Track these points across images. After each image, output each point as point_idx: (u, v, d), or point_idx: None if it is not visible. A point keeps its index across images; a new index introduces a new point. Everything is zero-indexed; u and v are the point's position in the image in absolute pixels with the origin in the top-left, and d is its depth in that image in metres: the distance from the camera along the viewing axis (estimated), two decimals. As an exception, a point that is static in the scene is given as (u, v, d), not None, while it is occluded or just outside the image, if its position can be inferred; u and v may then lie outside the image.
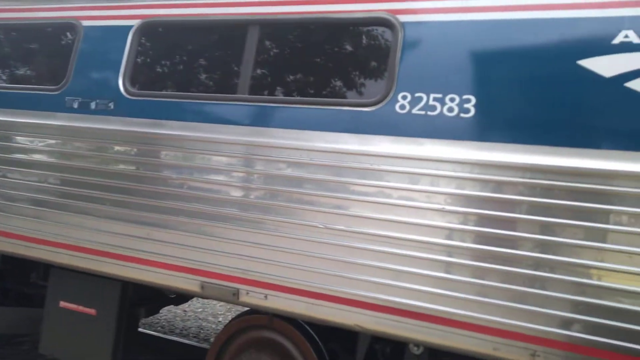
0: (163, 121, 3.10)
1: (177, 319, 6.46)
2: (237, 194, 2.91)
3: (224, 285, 2.93)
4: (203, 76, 3.18)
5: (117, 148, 3.22)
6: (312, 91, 2.88)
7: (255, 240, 2.85)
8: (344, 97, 2.78)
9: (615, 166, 2.20)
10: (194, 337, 5.84)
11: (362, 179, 2.64)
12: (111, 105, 3.26)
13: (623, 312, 2.19)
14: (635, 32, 2.21)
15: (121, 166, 3.22)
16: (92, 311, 3.46)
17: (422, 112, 2.55)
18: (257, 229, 2.85)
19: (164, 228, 3.07)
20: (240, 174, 2.91)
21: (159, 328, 6.01)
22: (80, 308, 3.50)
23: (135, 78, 3.32)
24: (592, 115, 2.28)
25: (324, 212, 2.71)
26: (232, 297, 2.91)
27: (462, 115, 2.48)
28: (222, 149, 2.95)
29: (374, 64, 2.79)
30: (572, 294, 2.25)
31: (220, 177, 2.95)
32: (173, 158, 3.08)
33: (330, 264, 2.69)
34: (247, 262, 2.87)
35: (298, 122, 2.80)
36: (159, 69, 3.34)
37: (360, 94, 2.76)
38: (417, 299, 2.51)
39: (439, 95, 2.52)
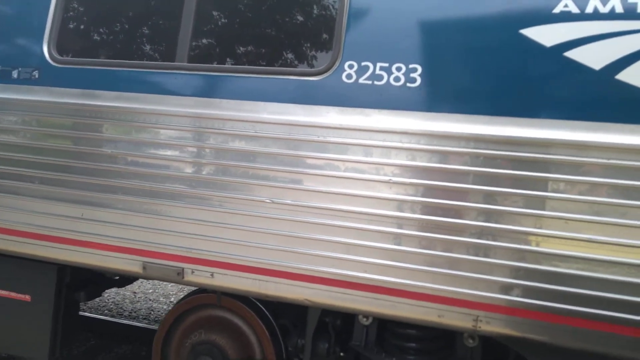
0: (95, 91, 2.88)
1: (126, 301, 6.25)
2: (178, 169, 2.77)
3: (167, 265, 2.80)
4: (138, 42, 2.95)
5: (43, 121, 2.97)
6: (255, 60, 2.74)
7: (200, 217, 2.74)
8: (290, 66, 2.67)
9: (554, 135, 2.25)
10: (144, 319, 5.68)
11: (309, 151, 2.57)
12: (35, 74, 2.98)
13: (559, 275, 2.28)
14: (574, 1, 2.23)
15: (50, 141, 2.98)
16: (26, 297, 3.24)
17: (369, 82, 2.49)
18: (201, 205, 2.73)
19: (100, 207, 2.89)
20: (181, 148, 2.76)
21: (106, 311, 5.79)
22: (13, 295, 3.28)
23: (63, 43, 3.04)
24: (534, 85, 2.31)
25: (271, 186, 2.63)
26: (177, 277, 2.79)
27: (408, 85, 2.45)
28: (160, 121, 2.78)
29: (320, 31, 2.69)
30: (513, 260, 2.31)
31: (160, 152, 2.79)
32: (107, 131, 2.87)
33: (278, 239, 2.63)
34: (191, 240, 2.76)
35: (241, 92, 2.67)
36: (89, 33, 3.07)
37: (307, 63, 2.66)
38: (365, 270, 2.50)
39: (386, 65, 2.47)
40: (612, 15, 2.16)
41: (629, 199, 2.17)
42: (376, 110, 2.49)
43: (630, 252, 2.18)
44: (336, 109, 2.54)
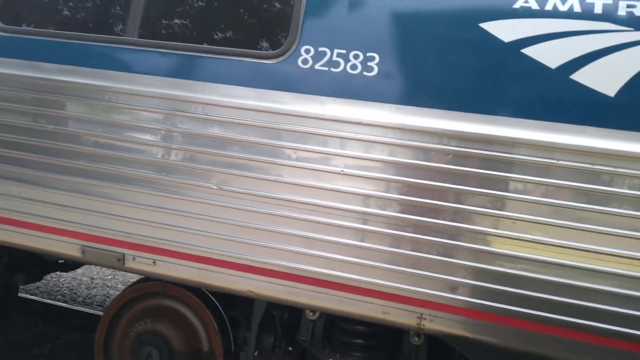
0: (37, 63, 2.70)
1: (82, 287, 6.05)
2: (119, 148, 2.63)
3: (107, 250, 2.67)
4: (84, 13, 2.79)
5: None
6: (208, 38, 2.62)
7: (143, 201, 2.61)
8: (244, 47, 2.56)
9: (507, 133, 2.21)
10: (99, 305, 5.49)
11: (260, 138, 2.47)
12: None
13: (505, 276, 2.24)
14: (535, -3, 2.19)
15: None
16: (-43, 279, 3.07)
17: (325, 68, 2.41)
18: (144, 188, 2.60)
19: (38, 186, 2.73)
20: (123, 127, 2.62)
21: (59, 297, 5.58)
22: (-54, 275, 3.09)
23: (8, 11, 2.85)
24: (491, 81, 2.26)
25: (219, 172, 2.52)
26: (117, 263, 2.66)
27: (365, 73, 2.37)
28: (103, 97, 2.63)
29: (278, 14, 2.58)
30: (458, 259, 2.27)
31: (100, 130, 2.65)
32: (46, 106, 2.71)
33: (223, 227, 2.52)
34: (134, 224, 2.63)
35: (191, 71, 2.55)
36: (34, 1, 2.89)
37: (262, 45, 2.55)
38: (311, 264, 2.43)
39: (343, 51, 2.38)
40: (570, 14, 2.13)
41: (576, 202, 2.15)
42: (332, 99, 2.41)
43: (575, 254, 2.16)
44: (291, 94, 2.44)
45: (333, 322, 2.80)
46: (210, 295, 2.98)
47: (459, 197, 2.27)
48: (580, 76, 2.12)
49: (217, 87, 2.50)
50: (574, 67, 2.12)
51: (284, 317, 2.90)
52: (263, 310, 2.78)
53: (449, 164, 2.27)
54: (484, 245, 2.26)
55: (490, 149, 2.22)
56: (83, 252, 2.71)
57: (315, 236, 2.42)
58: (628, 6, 2.07)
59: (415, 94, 2.32)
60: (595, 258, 2.13)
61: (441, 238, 2.28)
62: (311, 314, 2.70)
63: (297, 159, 2.44)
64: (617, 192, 2.11)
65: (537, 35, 2.15)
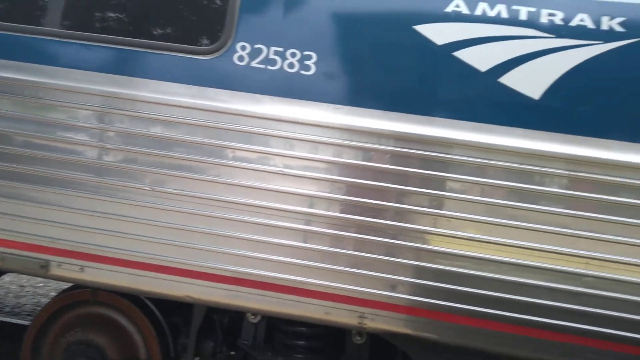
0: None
1: (10, 295, 5.64)
2: (41, 148, 2.45)
3: (29, 257, 2.48)
4: (7, 1, 2.57)
5: None
6: (140, 32, 2.49)
7: (68, 204, 2.44)
8: (178, 42, 2.44)
9: (441, 133, 2.25)
10: (28, 315, 5.14)
11: (195, 136, 2.38)
12: None
13: (444, 273, 2.29)
14: (465, 2, 2.24)
15: None
16: None
17: (262, 66, 2.35)
18: (69, 190, 2.44)
19: (-52, 188, 2.49)
20: (44, 124, 2.44)
21: (-16, 307, 5.17)
22: None
23: None
24: (425, 82, 2.30)
25: (151, 172, 2.40)
26: (41, 270, 2.48)
27: (302, 72, 2.33)
28: (22, 92, 2.44)
29: (213, 8, 2.49)
30: (398, 257, 2.29)
31: (21, 128, 2.45)
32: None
33: (157, 230, 2.41)
34: (58, 229, 2.45)
35: (122, 66, 2.41)
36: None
37: (196, 40, 2.44)
38: (252, 266, 2.37)
39: (280, 49, 2.34)
40: (498, 20, 2.20)
41: (507, 200, 2.23)
42: (268, 97, 2.36)
43: (508, 251, 2.23)
44: (227, 92, 2.37)
45: (275, 325, 2.75)
46: (147, 301, 2.85)
47: (398, 196, 2.30)
48: (508, 79, 2.19)
49: (149, 83, 2.38)
50: (501, 70, 2.20)
51: (225, 321, 2.82)
52: (202, 316, 2.69)
53: (387, 164, 2.29)
54: (423, 243, 2.29)
55: (427, 149, 2.25)
56: (3, 259, 2.50)
57: (256, 238, 2.36)
58: (549, 14, 2.17)
59: (354, 94, 2.32)
60: (526, 254, 2.22)
61: (381, 237, 2.29)
62: (252, 317, 2.64)
63: (235, 159, 2.38)
64: (545, 190, 2.20)
65: (468, 39, 2.21)
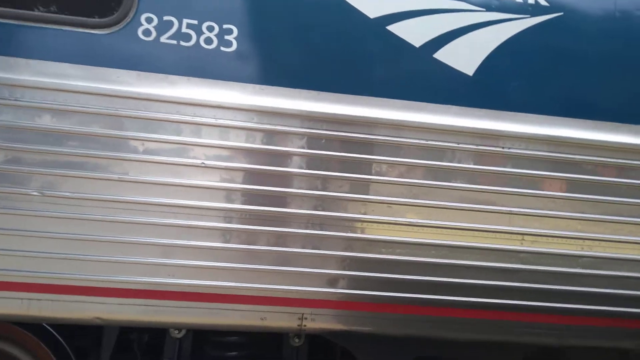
0: None
1: None
2: None
3: None
4: None
5: None
6: (17, 2, 2.01)
7: None
8: (67, 13, 2.01)
9: (375, 114, 2.11)
10: None
11: (92, 127, 1.99)
12: None
13: (383, 262, 2.17)
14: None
15: None
16: None
17: (174, 42, 2.03)
18: None
19: None
20: None
21: None
22: None
23: None
24: (358, 60, 2.14)
25: (40, 173, 1.97)
26: None
27: (222, 49, 2.05)
28: None
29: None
30: (339, 250, 2.13)
31: None
32: None
33: (51, 244, 1.99)
34: None
35: (-7, 43, 1.93)
36: None
37: (90, 10, 2.03)
38: (171, 275, 2.05)
39: (194, 22, 2.03)
40: (431, -9, 2.11)
41: (443, 181, 2.16)
42: (185, 78, 2.04)
43: (451, 234, 2.18)
44: (132, 73, 2.01)
45: (203, 337, 2.45)
46: (47, 326, 2.38)
47: (332, 183, 2.12)
48: (442, 55, 2.12)
49: (32, 64, 1.93)
50: (436, 45, 2.11)
51: (144, 339, 2.46)
52: (115, 337, 2.30)
53: (321, 150, 2.10)
54: (363, 233, 2.15)
55: (372, 132, 2.11)
56: None
57: (173, 242, 2.04)
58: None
59: (282, 73, 2.09)
60: (466, 235, 2.18)
61: (319, 230, 2.11)
62: (176, 332, 2.32)
63: (146, 152, 2.03)
64: (480, 169, 2.17)
65: (401, 12, 2.09)
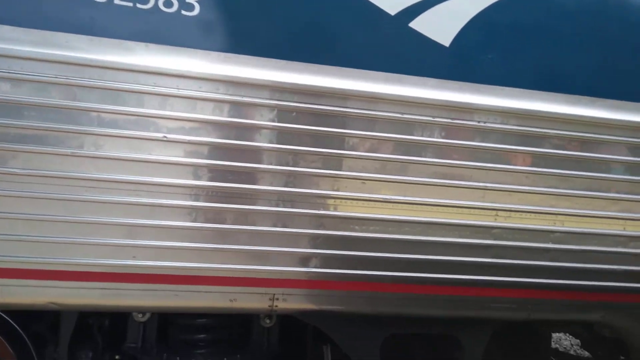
0: None
1: None
2: None
3: None
4: None
5: None
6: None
7: None
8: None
9: (350, 86, 2.01)
10: None
11: (41, 97, 1.81)
12: None
13: (356, 240, 2.10)
14: None
15: None
16: None
17: (129, 4, 1.85)
18: None
19: None
20: None
21: None
22: None
23: None
24: (331, 28, 2.03)
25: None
26: None
27: (184, 12, 1.89)
28: None
29: None
30: (311, 228, 2.04)
31: None
32: None
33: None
34: None
35: None
36: None
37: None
38: (134, 257, 1.92)
39: (152, -18, 1.86)
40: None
41: (418, 156, 2.10)
42: (142, 44, 1.88)
43: (423, 210, 2.13)
44: (83, 38, 1.83)
45: (169, 320, 2.35)
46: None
47: (303, 159, 2.02)
48: (418, 24, 2.02)
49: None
50: (412, 14, 2.02)
51: (105, 324, 2.34)
52: (74, 322, 2.17)
53: (292, 123, 1.99)
54: (336, 210, 2.07)
55: (345, 105, 2.00)
56: None
57: (135, 222, 1.91)
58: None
59: (250, 40, 1.95)
60: (439, 211, 2.13)
61: (290, 207, 2.01)
62: (140, 315, 2.21)
63: (101, 124, 1.87)
64: (457, 144, 2.12)
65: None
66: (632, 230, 2.33)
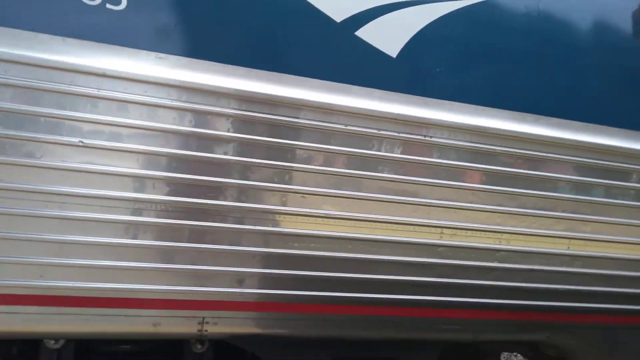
0: None
1: None
2: None
3: None
4: None
5: None
6: None
7: None
8: None
9: (301, 95, 1.89)
10: None
11: None
12: None
13: (296, 258, 1.96)
14: None
15: None
16: None
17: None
18: None
19: None
20: None
21: None
22: None
23: None
24: (277, 34, 1.90)
25: None
26: None
27: (109, 6, 1.72)
28: None
29: None
30: (244, 245, 1.88)
31: None
32: None
33: None
34: None
35: None
36: None
37: None
38: (38, 276, 1.69)
39: (71, -31, 1.68)
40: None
41: (362, 170, 1.99)
42: (60, 39, 1.69)
43: (366, 227, 2.02)
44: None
45: (88, 346, 2.11)
46: None
47: (241, 171, 1.87)
48: (365, 33, 1.94)
49: None
50: (359, 22, 1.93)
51: (13, 351, 2.07)
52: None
53: (228, 131, 1.84)
54: (272, 226, 1.92)
55: (276, 112, 1.87)
56: None
57: (45, 237, 1.69)
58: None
59: (183, 40, 1.80)
60: (384, 228, 2.03)
61: (222, 222, 1.85)
62: (53, 342, 1.96)
63: (15, 127, 1.65)
64: (398, 158, 2.03)
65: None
66: (575, 249, 2.32)
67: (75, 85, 1.68)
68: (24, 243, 1.67)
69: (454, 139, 2.07)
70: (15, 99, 1.64)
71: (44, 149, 1.68)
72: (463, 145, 2.09)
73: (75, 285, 1.72)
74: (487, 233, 2.15)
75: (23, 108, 1.65)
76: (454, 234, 2.13)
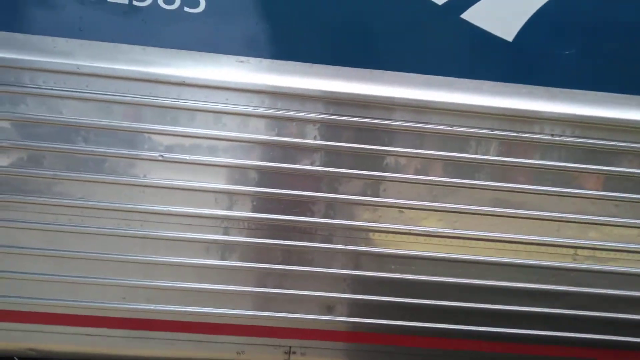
0: None
1: None
2: None
3: None
4: None
5: None
6: None
7: None
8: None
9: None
10: None
11: None
12: None
13: (395, 283, 1.69)
14: None
15: None
16: None
17: (124, 0, 1.59)
18: None
19: None
20: None
21: None
22: None
23: None
24: (368, 23, 1.66)
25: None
26: None
27: (187, 9, 1.60)
28: None
29: None
30: (336, 267, 1.66)
31: None
32: None
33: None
34: None
35: None
36: None
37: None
38: (120, 297, 1.61)
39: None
40: None
41: (475, 179, 1.67)
42: (140, 48, 1.60)
43: (480, 246, 1.69)
44: (48, 40, 1.56)
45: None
46: None
47: (334, 183, 1.65)
48: (473, 15, 1.62)
49: None
50: (465, 2, 1.62)
51: None
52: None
53: (321, 140, 1.63)
54: (364, 245, 1.68)
55: (370, 115, 1.63)
56: None
57: (127, 257, 1.61)
58: None
59: (267, 41, 1.63)
60: (509, 248, 1.69)
61: (309, 241, 1.64)
62: None
63: (89, 143, 1.60)
64: (517, 163, 1.68)
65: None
66: None
67: (156, 97, 1.59)
68: (106, 263, 1.60)
69: (590, 137, 1.67)
70: (94, 113, 1.59)
71: (119, 166, 1.60)
72: (601, 144, 1.67)
73: (157, 308, 1.62)
74: (636, 255, 1.71)
75: (104, 123, 1.59)
76: (592, 255, 1.72)
